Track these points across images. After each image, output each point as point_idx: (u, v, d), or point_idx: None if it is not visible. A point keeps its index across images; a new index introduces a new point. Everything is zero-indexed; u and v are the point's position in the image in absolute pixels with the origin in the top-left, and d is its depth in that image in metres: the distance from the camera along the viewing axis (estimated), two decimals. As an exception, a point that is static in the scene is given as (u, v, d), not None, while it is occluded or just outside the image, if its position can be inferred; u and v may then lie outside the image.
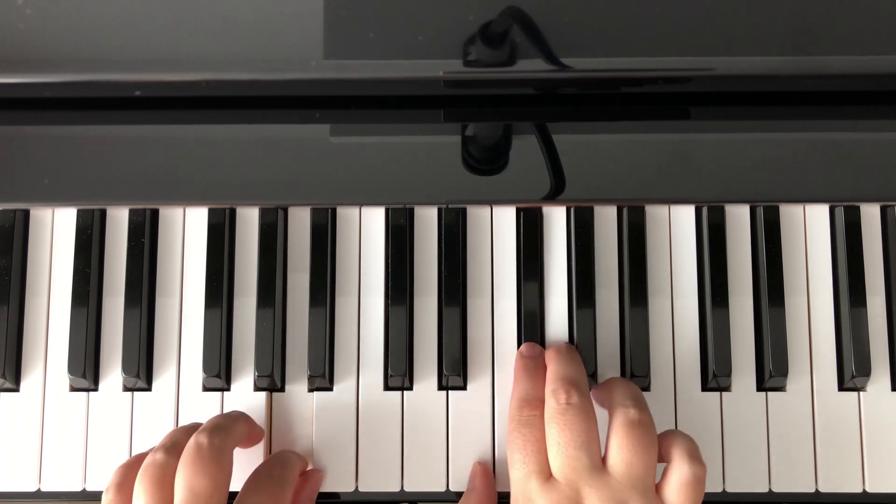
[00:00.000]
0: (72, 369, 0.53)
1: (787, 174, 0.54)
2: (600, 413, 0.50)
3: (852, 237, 0.54)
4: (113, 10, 0.52)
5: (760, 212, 0.55)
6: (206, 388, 0.54)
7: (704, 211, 0.55)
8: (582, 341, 0.54)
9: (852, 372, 0.53)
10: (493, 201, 0.55)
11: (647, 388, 0.54)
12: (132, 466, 0.48)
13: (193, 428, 0.49)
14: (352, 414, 0.54)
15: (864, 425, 0.53)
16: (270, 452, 0.54)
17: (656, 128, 0.54)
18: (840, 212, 0.55)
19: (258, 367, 0.53)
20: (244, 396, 0.54)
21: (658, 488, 0.47)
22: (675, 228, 0.55)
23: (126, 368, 0.53)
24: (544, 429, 0.48)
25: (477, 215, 0.56)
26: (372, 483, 0.53)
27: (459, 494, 0.53)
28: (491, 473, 0.53)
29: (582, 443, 0.46)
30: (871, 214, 0.55)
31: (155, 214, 0.56)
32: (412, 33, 0.51)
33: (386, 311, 0.54)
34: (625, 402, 0.48)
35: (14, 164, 0.54)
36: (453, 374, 0.53)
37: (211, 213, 0.55)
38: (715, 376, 0.53)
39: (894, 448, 0.53)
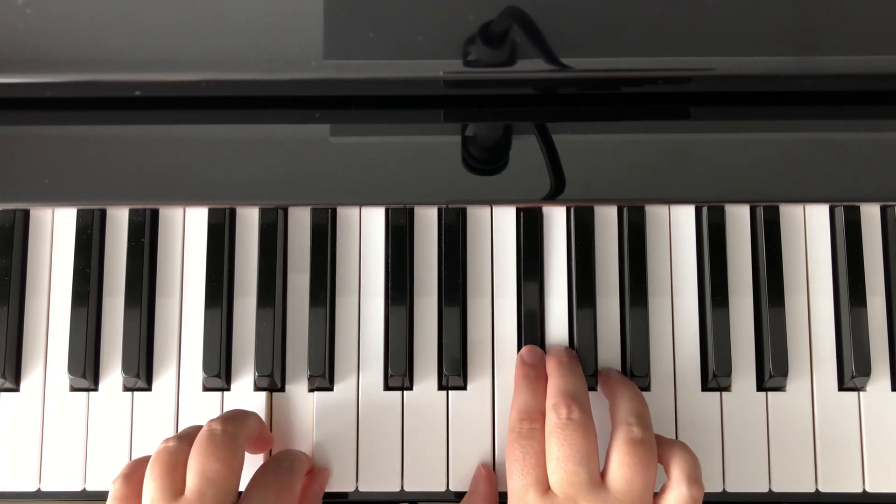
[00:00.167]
0: (72, 369, 0.53)
1: (787, 174, 0.54)
2: (599, 423, 0.50)
3: (852, 237, 0.54)
4: (113, 10, 0.52)
5: (760, 212, 0.55)
6: (206, 388, 0.54)
7: (704, 211, 0.55)
8: (582, 341, 0.54)
9: (852, 372, 0.53)
10: (493, 201, 0.55)
11: (647, 388, 0.54)
12: (143, 461, 0.48)
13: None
14: (352, 414, 0.54)
15: (864, 425, 0.53)
16: (271, 453, 0.54)
17: (656, 128, 0.54)
18: (840, 212, 0.55)
19: (258, 367, 0.53)
20: (244, 396, 0.54)
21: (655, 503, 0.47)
22: (675, 228, 0.55)
23: (126, 368, 0.53)
24: (544, 441, 0.48)
25: (477, 215, 0.56)
26: (372, 483, 0.53)
27: (459, 494, 0.53)
28: (494, 477, 0.53)
29: (581, 458, 0.46)
30: (871, 214, 0.55)
31: (155, 214, 0.56)
32: (412, 33, 0.51)
33: (386, 311, 0.54)
34: (628, 420, 0.48)
35: (14, 164, 0.54)
36: (453, 374, 0.53)
37: (211, 213, 0.55)
38: (715, 376, 0.53)
39: (894, 448, 0.53)
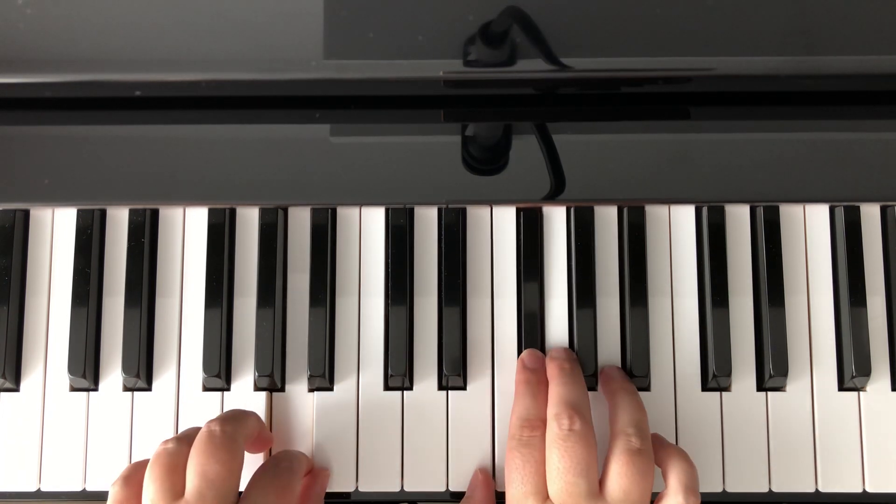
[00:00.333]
0: (72, 369, 0.53)
1: (787, 174, 0.54)
2: (599, 423, 0.50)
3: (852, 237, 0.54)
4: (113, 10, 0.52)
5: (760, 212, 0.55)
6: (206, 388, 0.54)
7: (704, 211, 0.55)
8: (582, 342, 0.54)
9: (852, 372, 0.53)
10: (493, 201, 0.55)
11: (647, 388, 0.54)
12: (142, 464, 0.48)
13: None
14: (352, 414, 0.54)
15: (864, 425, 0.53)
16: (271, 453, 0.54)
17: (656, 128, 0.54)
18: (840, 212, 0.55)
19: (258, 367, 0.53)
20: (244, 396, 0.54)
21: None
22: (675, 228, 0.55)
23: (126, 368, 0.53)
24: (544, 450, 0.48)
25: (477, 215, 0.56)
26: (372, 483, 0.53)
27: (459, 494, 0.53)
28: (491, 482, 0.53)
29: (581, 470, 0.47)
30: (871, 214, 0.55)
31: (155, 214, 0.56)
32: (412, 33, 0.51)
33: (386, 311, 0.54)
34: (627, 430, 0.48)
35: (14, 164, 0.54)
36: (453, 374, 0.53)
37: (211, 213, 0.55)
38: (715, 376, 0.53)
39: (894, 448, 0.53)
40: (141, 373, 0.54)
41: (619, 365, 0.54)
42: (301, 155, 0.54)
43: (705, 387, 0.54)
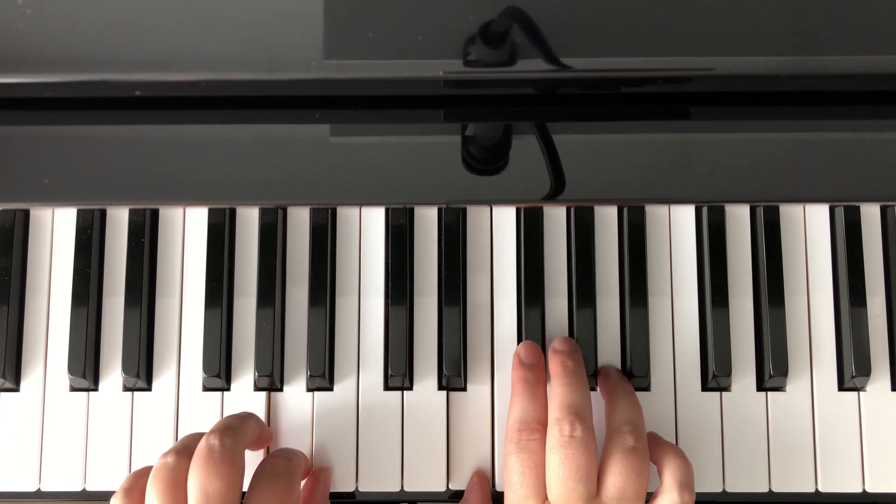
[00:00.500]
0: (72, 369, 0.53)
1: (787, 174, 0.54)
2: (598, 424, 0.50)
3: (852, 237, 0.54)
4: (113, 10, 0.52)
5: (760, 212, 0.55)
6: (206, 388, 0.54)
7: (704, 211, 0.55)
8: (582, 341, 0.54)
9: (852, 372, 0.53)
10: (493, 201, 0.55)
11: (647, 388, 0.54)
12: (142, 474, 0.48)
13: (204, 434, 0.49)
14: (352, 414, 0.54)
15: (864, 425, 0.53)
16: (269, 451, 0.54)
17: (656, 128, 0.54)
18: (840, 212, 0.55)
19: (258, 367, 0.53)
20: (244, 396, 0.54)
21: None
22: (675, 228, 0.55)
23: (126, 368, 0.53)
24: (543, 453, 0.48)
25: (477, 215, 0.56)
26: (372, 483, 0.53)
27: (459, 494, 0.53)
28: (486, 484, 0.53)
29: (581, 476, 0.47)
30: (871, 214, 0.55)
31: (155, 214, 0.56)
32: (412, 33, 0.51)
33: (386, 311, 0.54)
34: (623, 428, 0.49)
35: (14, 164, 0.54)
36: (453, 374, 0.53)
37: (211, 213, 0.55)
38: (715, 376, 0.53)
39: (894, 448, 0.53)
40: (141, 373, 0.54)
41: (619, 365, 0.54)
42: (301, 155, 0.54)
43: (705, 387, 0.54)
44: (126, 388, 0.54)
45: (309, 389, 0.54)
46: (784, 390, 0.54)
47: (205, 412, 0.54)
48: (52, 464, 0.54)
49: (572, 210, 0.55)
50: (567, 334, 0.54)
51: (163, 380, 0.54)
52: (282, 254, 0.55)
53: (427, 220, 0.55)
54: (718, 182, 0.54)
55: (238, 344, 0.55)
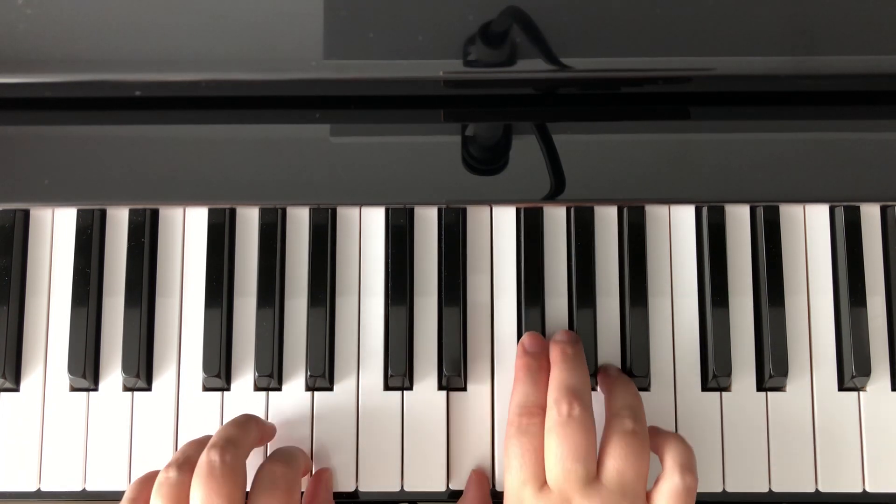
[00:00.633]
0: (72, 369, 0.53)
1: (787, 174, 0.54)
2: (599, 422, 0.50)
3: (852, 237, 0.54)
4: (113, 10, 0.52)
5: (760, 212, 0.55)
6: (206, 388, 0.54)
7: (704, 211, 0.55)
8: (582, 341, 0.54)
9: (852, 372, 0.53)
10: (493, 201, 0.55)
11: (646, 388, 0.54)
12: (146, 483, 0.48)
13: (205, 442, 0.49)
14: (352, 414, 0.54)
15: (864, 425, 0.53)
16: (267, 449, 0.54)
17: (656, 128, 0.54)
18: (840, 212, 0.55)
19: (258, 367, 0.53)
20: (244, 396, 0.54)
21: (649, 496, 0.47)
22: (675, 228, 0.55)
23: (126, 368, 0.53)
24: (542, 437, 0.48)
25: (477, 215, 0.56)
26: (372, 483, 0.53)
27: (459, 494, 0.53)
28: (484, 481, 0.53)
29: (579, 456, 0.46)
30: (871, 214, 0.55)
31: (155, 214, 0.56)
32: (412, 33, 0.51)
33: (386, 311, 0.54)
34: (622, 412, 0.48)
35: (14, 164, 0.54)
36: (453, 374, 0.53)
37: (211, 213, 0.55)
38: (715, 376, 0.53)
39: (894, 448, 0.53)
40: (141, 373, 0.54)
41: (619, 365, 0.54)
42: (301, 155, 0.54)
43: (705, 387, 0.54)
44: (126, 388, 0.54)
45: (309, 389, 0.54)
46: (784, 390, 0.54)
47: (205, 412, 0.54)
48: (52, 464, 0.54)
49: (572, 210, 0.55)
50: (567, 334, 0.54)
51: (163, 380, 0.54)
52: (282, 254, 0.55)
53: (427, 220, 0.55)
54: (718, 182, 0.54)
55: (238, 344, 0.55)
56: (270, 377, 0.53)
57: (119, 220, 0.56)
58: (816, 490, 0.53)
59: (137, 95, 0.54)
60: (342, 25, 0.51)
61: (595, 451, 0.47)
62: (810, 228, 0.55)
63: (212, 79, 0.52)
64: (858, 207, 0.55)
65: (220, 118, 0.55)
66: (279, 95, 0.55)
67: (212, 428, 0.53)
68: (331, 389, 0.54)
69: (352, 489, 0.53)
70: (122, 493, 0.53)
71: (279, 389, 0.54)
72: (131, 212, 0.55)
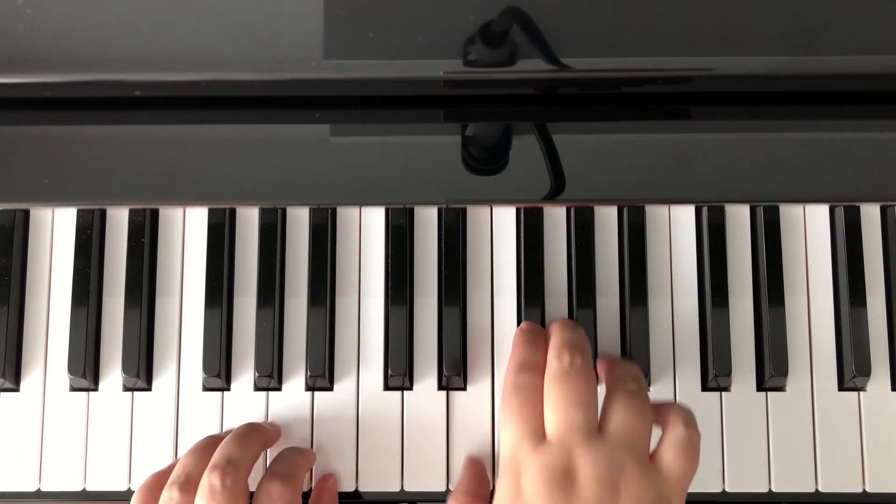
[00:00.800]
0: (72, 369, 0.53)
1: (787, 174, 0.54)
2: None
3: (852, 237, 0.54)
4: (113, 10, 0.52)
5: (760, 212, 0.55)
6: (206, 388, 0.54)
7: (704, 211, 0.55)
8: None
9: (852, 372, 0.53)
10: (493, 201, 0.55)
11: (647, 388, 0.54)
12: (152, 491, 0.48)
13: (206, 451, 0.49)
14: (352, 414, 0.54)
15: (864, 425, 0.53)
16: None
17: (656, 128, 0.54)
18: (840, 212, 0.55)
19: (258, 367, 0.53)
20: (244, 396, 0.54)
21: (652, 456, 0.46)
22: (675, 228, 0.55)
23: (126, 368, 0.53)
24: (541, 392, 0.47)
25: (477, 215, 0.56)
26: (372, 483, 0.53)
27: (459, 494, 0.53)
28: (477, 462, 0.52)
29: (580, 404, 0.45)
30: (871, 214, 0.55)
31: (155, 214, 0.56)
32: (412, 33, 0.51)
33: (386, 311, 0.54)
34: (624, 377, 0.47)
35: (14, 164, 0.54)
36: (453, 374, 0.53)
37: (211, 213, 0.55)
38: (715, 376, 0.53)
39: (894, 448, 0.53)
40: (141, 373, 0.54)
41: (619, 365, 0.54)
42: (301, 155, 0.54)
43: (705, 387, 0.54)
44: (126, 388, 0.54)
45: (309, 389, 0.54)
46: (784, 390, 0.54)
47: (205, 412, 0.54)
48: (52, 464, 0.54)
49: (572, 210, 0.55)
50: (567, 334, 0.54)
51: (163, 380, 0.54)
52: (282, 254, 0.55)
53: (427, 220, 0.55)
54: (718, 182, 0.54)
55: (238, 344, 0.55)
56: (270, 377, 0.53)
57: (119, 220, 0.56)
58: (816, 490, 0.53)
59: (137, 95, 0.54)
60: (342, 25, 0.51)
61: (598, 405, 0.46)
62: (810, 228, 0.55)
63: (212, 79, 0.52)
64: (858, 207, 0.55)
65: (220, 118, 0.55)
66: (279, 95, 0.55)
67: (212, 429, 0.53)
68: (331, 389, 0.54)
69: (352, 489, 0.53)
70: (122, 493, 0.53)
71: (279, 389, 0.54)
72: (131, 212, 0.55)
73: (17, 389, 0.55)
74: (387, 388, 0.54)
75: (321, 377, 0.53)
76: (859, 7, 0.51)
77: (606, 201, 0.55)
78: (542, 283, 0.54)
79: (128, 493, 0.53)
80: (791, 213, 0.55)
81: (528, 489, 0.44)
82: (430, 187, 0.54)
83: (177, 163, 0.54)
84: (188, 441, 0.53)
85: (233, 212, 0.56)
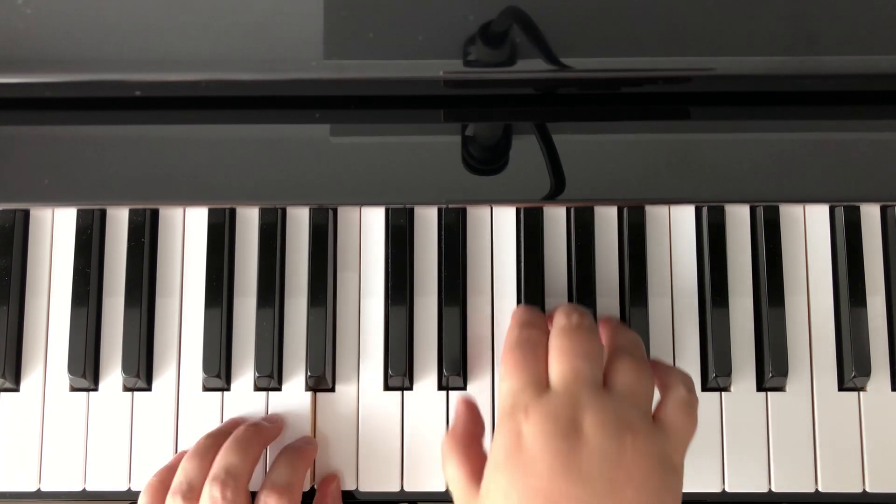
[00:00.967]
0: (72, 369, 0.53)
1: (787, 174, 0.54)
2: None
3: (852, 237, 0.54)
4: (113, 10, 0.52)
5: (760, 212, 0.55)
6: (206, 388, 0.54)
7: (704, 211, 0.55)
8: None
9: (852, 372, 0.53)
10: (493, 201, 0.55)
11: (647, 388, 0.54)
12: (158, 490, 0.49)
13: (207, 456, 0.49)
14: (352, 414, 0.54)
15: (864, 425, 0.53)
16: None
17: (656, 128, 0.54)
18: (840, 212, 0.55)
19: (258, 367, 0.53)
20: (244, 396, 0.54)
21: (654, 416, 0.45)
22: (675, 228, 0.55)
23: (126, 368, 0.53)
24: (545, 348, 0.46)
25: (477, 215, 0.56)
26: (372, 483, 0.53)
27: (459, 494, 0.53)
28: (471, 403, 0.50)
29: (589, 354, 0.45)
30: (871, 214, 0.55)
31: (155, 214, 0.56)
32: (412, 33, 0.51)
33: (386, 311, 0.54)
34: (626, 346, 0.47)
35: (14, 164, 0.54)
36: (453, 373, 0.53)
37: (211, 213, 0.55)
38: (715, 376, 0.53)
39: (894, 448, 0.53)
40: (141, 373, 0.54)
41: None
42: (301, 155, 0.54)
43: (705, 387, 0.54)
44: (126, 388, 0.54)
45: (309, 389, 0.54)
46: (784, 390, 0.54)
47: (205, 412, 0.54)
48: (52, 464, 0.54)
49: (572, 210, 0.55)
50: (567, 334, 0.54)
51: (163, 380, 0.54)
52: (282, 254, 0.55)
53: (427, 220, 0.55)
54: (718, 182, 0.54)
55: (238, 344, 0.55)
56: (270, 377, 0.53)
57: (119, 220, 0.56)
58: (816, 490, 0.53)
59: (137, 95, 0.54)
60: (342, 25, 0.51)
61: (602, 363, 0.45)
62: (810, 228, 0.55)
63: (212, 79, 0.52)
64: (858, 207, 0.55)
65: (220, 118, 0.55)
66: (279, 95, 0.55)
67: (211, 429, 0.53)
68: (331, 389, 0.54)
69: (352, 489, 0.53)
70: (122, 493, 0.53)
71: (279, 389, 0.54)
72: (131, 212, 0.55)
73: (17, 389, 0.55)
74: (387, 388, 0.54)
75: (321, 377, 0.53)
76: (859, 7, 0.51)
77: (606, 201, 0.55)
78: (542, 283, 0.54)
79: (128, 493, 0.53)
80: (791, 213, 0.55)
81: (530, 438, 0.43)
82: (430, 187, 0.54)
83: (177, 163, 0.54)
84: (188, 441, 0.53)
85: (233, 212, 0.56)
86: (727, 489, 0.53)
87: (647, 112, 0.55)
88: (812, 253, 0.55)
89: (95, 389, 0.54)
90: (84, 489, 0.54)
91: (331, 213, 0.55)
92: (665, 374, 0.48)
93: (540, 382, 0.45)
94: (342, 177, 0.54)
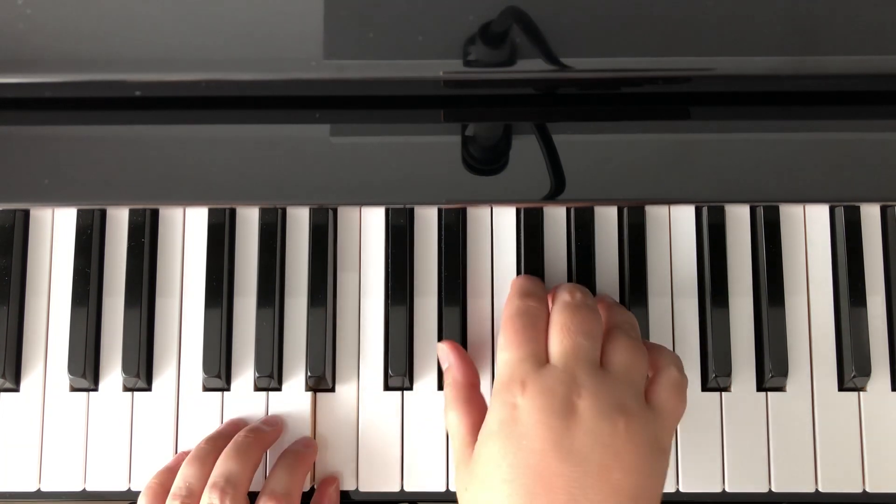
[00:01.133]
0: (72, 369, 0.53)
1: (787, 174, 0.54)
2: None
3: (852, 237, 0.54)
4: (113, 10, 0.52)
5: (760, 212, 0.55)
6: (206, 388, 0.54)
7: (704, 211, 0.55)
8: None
9: (852, 372, 0.53)
10: (493, 201, 0.55)
11: (647, 388, 0.54)
12: (157, 493, 0.49)
13: (207, 461, 0.49)
14: (352, 414, 0.54)
15: (864, 425, 0.53)
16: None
17: (656, 128, 0.54)
18: (840, 212, 0.55)
19: (258, 367, 0.53)
20: (244, 396, 0.54)
21: (645, 396, 0.46)
22: (675, 228, 0.55)
23: (126, 368, 0.53)
24: (545, 321, 0.47)
25: (477, 215, 0.56)
26: (372, 483, 0.53)
27: (459, 494, 0.53)
28: (461, 348, 0.51)
29: (590, 332, 0.45)
30: (871, 214, 0.55)
31: (155, 214, 0.56)
32: (412, 33, 0.51)
33: (386, 312, 0.54)
34: (623, 325, 0.48)
35: (14, 164, 0.54)
36: (453, 374, 0.53)
37: (211, 213, 0.55)
38: (715, 376, 0.53)
39: (894, 448, 0.53)
40: (141, 373, 0.54)
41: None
42: (301, 155, 0.54)
43: (705, 387, 0.54)
44: (126, 388, 0.54)
45: (309, 389, 0.54)
46: (784, 390, 0.54)
47: (205, 412, 0.54)
48: (52, 464, 0.54)
49: (572, 210, 0.55)
50: (567, 334, 0.54)
51: (163, 380, 0.54)
52: (282, 254, 0.55)
53: (427, 220, 0.55)
54: (718, 182, 0.54)
55: (238, 344, 0.55)
56: (270, 377, 0.53)
57: (119, 220, 0.56)
58: (816, 490, 0.53)
59: (137, 95, 0.54)
60: (342, 25, 0.51)
61: (601, 344, 0.46)
62: (810, 228, 0.55)
63: (212, 79, 0.52)
64: (858, 207, 0.55)
65: (220, 118, 0.55)
66: (279, 95, 0.55)
67: (211, 429, 0.53)
68: (331, 389, 0.54)
69: (352, 489, 0.53)
70: (122, 493, 0.53)
71: (279, 389, 0.54)
72: (131, 212, 0.55)
73: (17, 389, 0.55)
74: (387, 388, 0.54)
75: (321, 377, 0.53)
76: (859, 7, 0.51)
77: (606, 201, 0.55)
78: (543, 283, 0.54)
79: (128, 494, 0.53)
80: (791, 213, 0.55)
81: (525, 412, 0.43)
82: (430, 187, 0.54)
83: (177, 163, 0.54)
84: (188, 441, 0.53)
85: (233, 212, 0.56)
86: (727, 489, 0.53)
87: (647, 112, 0.55)
88: (812, 253, 0.55)
89: (95, 389, 0.54)
90: (84, 489, 0.54)
91: (331, 213, 0.55)
92: (656, 354, 0.48)
93: (539, 356, 0.45)
94: (342, 177, 0.54)
